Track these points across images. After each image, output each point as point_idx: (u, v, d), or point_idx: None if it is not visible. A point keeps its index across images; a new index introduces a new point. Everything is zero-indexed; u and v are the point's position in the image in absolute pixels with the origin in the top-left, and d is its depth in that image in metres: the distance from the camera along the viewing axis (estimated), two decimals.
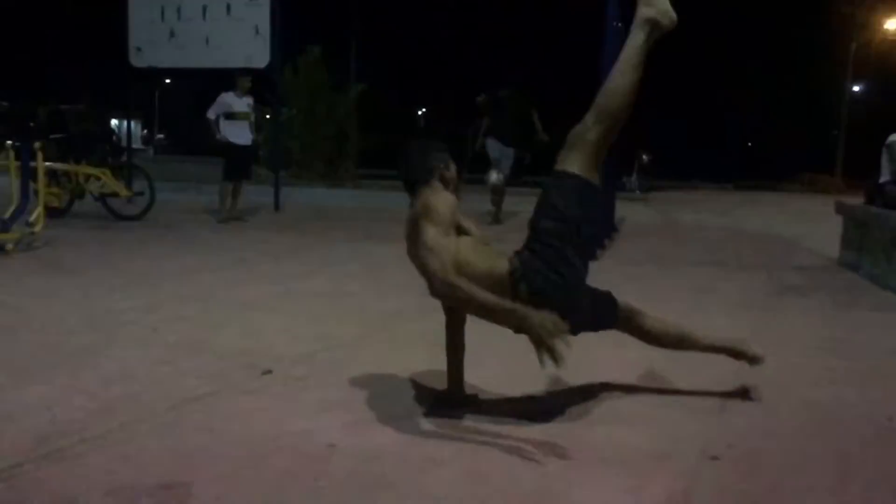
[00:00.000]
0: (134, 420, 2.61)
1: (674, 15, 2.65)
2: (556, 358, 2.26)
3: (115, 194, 8.89)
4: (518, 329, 2.40)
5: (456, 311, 2.81)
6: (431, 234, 2.46)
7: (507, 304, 2.38)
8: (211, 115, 9.17)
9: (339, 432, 2.54)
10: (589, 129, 2.64)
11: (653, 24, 2.63)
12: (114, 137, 10.37)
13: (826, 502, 2.15)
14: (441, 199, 2.57)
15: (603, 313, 2.80)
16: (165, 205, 9.66)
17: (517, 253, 2.63)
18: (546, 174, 2.85)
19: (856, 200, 7.52)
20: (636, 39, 2.64)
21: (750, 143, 46.14)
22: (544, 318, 2.29)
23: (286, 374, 3.21)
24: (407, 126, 38.33)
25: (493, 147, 9.50)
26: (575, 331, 2.46)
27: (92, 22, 24.43)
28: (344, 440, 2.47)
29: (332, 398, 2.90)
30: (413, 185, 2.69)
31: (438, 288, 2.41)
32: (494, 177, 9.40)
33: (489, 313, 2.42)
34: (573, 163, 2.62)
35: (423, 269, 2.47)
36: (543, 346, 2.27)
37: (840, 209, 7.35)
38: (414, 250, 2.55)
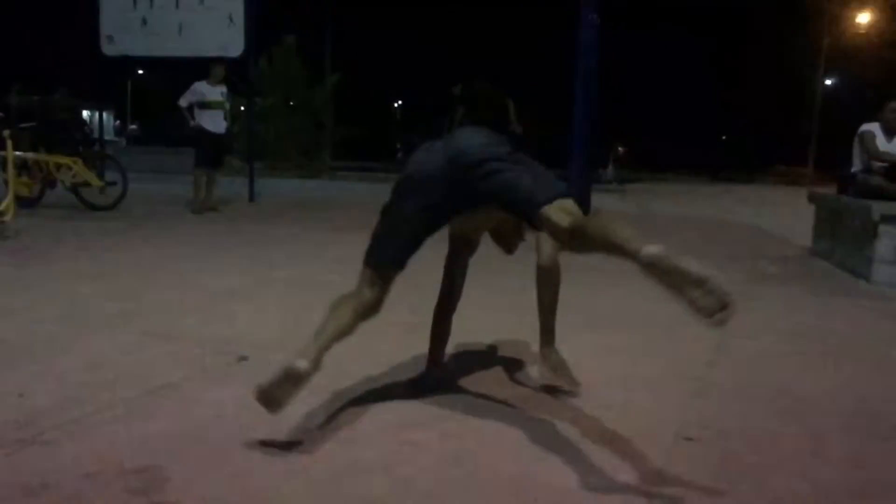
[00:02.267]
0: (107, 406, 2.57)
1: (716, 307, 1.87)
2: None
3: (87, 184, 8.77)
4: None
5: (449, 295, 2.81)
6: None
7: None
8: (183, 102, 9.07)
9: (316, 417, 2.53)
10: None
11: (698, 283, 1.91)
12: (86, 128, 10.22)
13: (799, 482, 2.17)
14: None
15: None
16: (138, 195, 9.54)
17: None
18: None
19: (828, 190, 7.62)
20: (680, 261, 1.99)
21: (724, 137, 46.68)
22: None
23: (261, 360, 3.17)
24: (383, 117, 38.19)
25: None
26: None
27: (62, 10, 24.07)
28: (321, 425, 2.46)
29: (309, 384, 2.88)
30: None
31: None
32: None
33: None
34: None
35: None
36: None
37: (813, 199, 7.45)
38: None
